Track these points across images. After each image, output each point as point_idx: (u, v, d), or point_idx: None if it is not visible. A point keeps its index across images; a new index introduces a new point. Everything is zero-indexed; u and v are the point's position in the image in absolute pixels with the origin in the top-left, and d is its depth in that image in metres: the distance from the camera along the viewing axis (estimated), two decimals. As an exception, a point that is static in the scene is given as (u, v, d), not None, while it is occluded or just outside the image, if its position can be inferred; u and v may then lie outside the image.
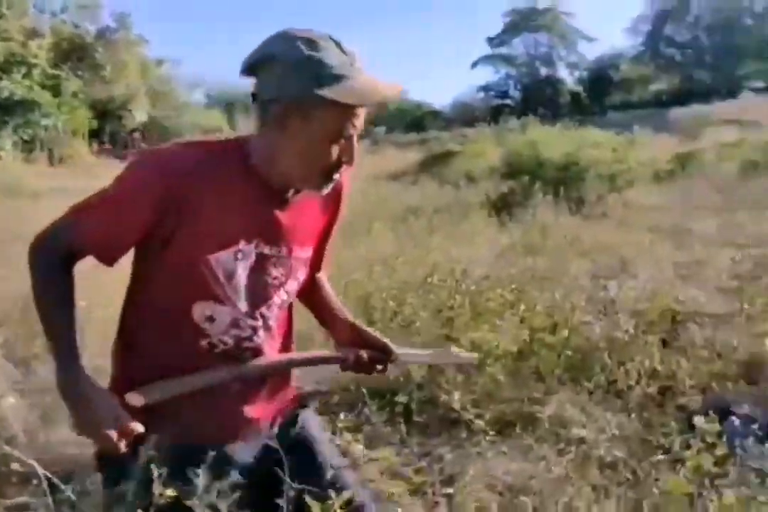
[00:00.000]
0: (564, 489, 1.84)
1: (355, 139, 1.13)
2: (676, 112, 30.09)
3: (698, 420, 1.57)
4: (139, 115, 26.62)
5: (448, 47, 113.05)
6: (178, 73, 32.87)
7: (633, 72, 41.77)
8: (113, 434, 1.07)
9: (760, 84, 42.59)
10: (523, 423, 2.44)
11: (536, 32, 44.43)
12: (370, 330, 1.36)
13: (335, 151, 1.12)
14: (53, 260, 1.17)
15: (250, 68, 1.12)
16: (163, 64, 30.64)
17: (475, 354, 1.49)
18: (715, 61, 38.94)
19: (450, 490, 1.91)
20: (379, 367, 1.34)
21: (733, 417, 2.54)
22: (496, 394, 2.39)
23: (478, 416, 2.17)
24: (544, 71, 45.60)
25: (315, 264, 1.34)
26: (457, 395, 2.15)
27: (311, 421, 1.36)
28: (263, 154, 1.15)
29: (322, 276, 1.41)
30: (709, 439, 1.56)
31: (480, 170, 11.38)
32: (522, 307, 2.82)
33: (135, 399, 1.13)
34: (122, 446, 1.09)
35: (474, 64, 47.24)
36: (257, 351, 1.23)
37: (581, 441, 2.14)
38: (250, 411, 1.25)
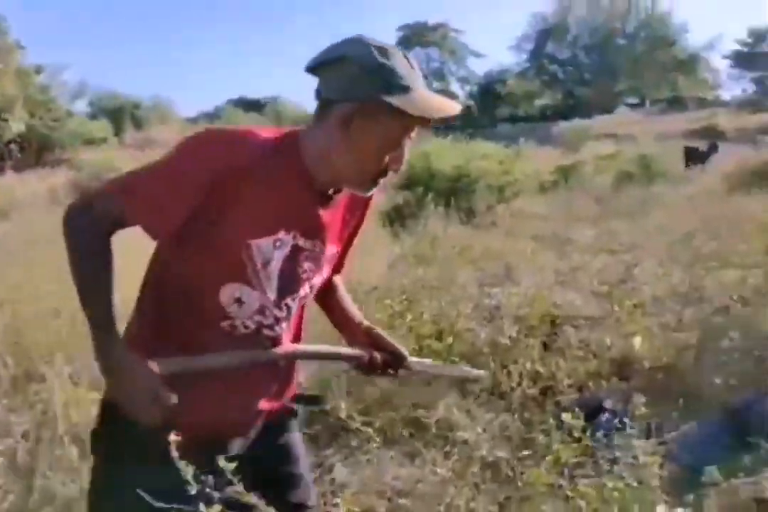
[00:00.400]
0: (447, 490, 1.92)
1: (406, 149, 1.18)
2: (560, 126, 31.76)
3: (565, 416, 1.69)
4: (16, 125, 25.06)
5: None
6: (60, 81, 31.24)
7: (519, 87, 43.77)
8: (152, 405, 1.10)
9: (634, 100, 45.86)
10: (413, 429, 2.52)
11: (427, 47, 45.71)
12: (385, 334, 1.39)
13: (386, 157, 1.17)
14: (97, 229, 1.16)
15: (319, 66, 1.17)
16: (43, 72, 29.04)
17: (484, 372, 1.52)
18: (594, 78, 41.56)
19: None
20: (391, 371, 1.37)
21: (604, 413, 2.74)
22: (384, 402, 2.45)
23: (366, 424, 2.22)
24: (436, 85, 46.91)
25: (337, 266, 1.38)
26: (344, 404, 2.19)
27: (297, 432, 1.40)
28: (317, 151, 1.19)
29: (339, 279, 1.45)
30: (576, 434, 1.69)
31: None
32: (409, 317, 2.91)
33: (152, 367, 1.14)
34: (159, 417, 1.11)
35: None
36: (276, 341, 1.25)
37: (465, 442, 2.24)
38: (260, 404, 1.28)
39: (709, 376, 2.86)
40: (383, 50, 1.14)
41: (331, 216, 1.26)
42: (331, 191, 1.24)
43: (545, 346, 3.34)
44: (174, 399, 1.11)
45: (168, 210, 1.15)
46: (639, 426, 2.43)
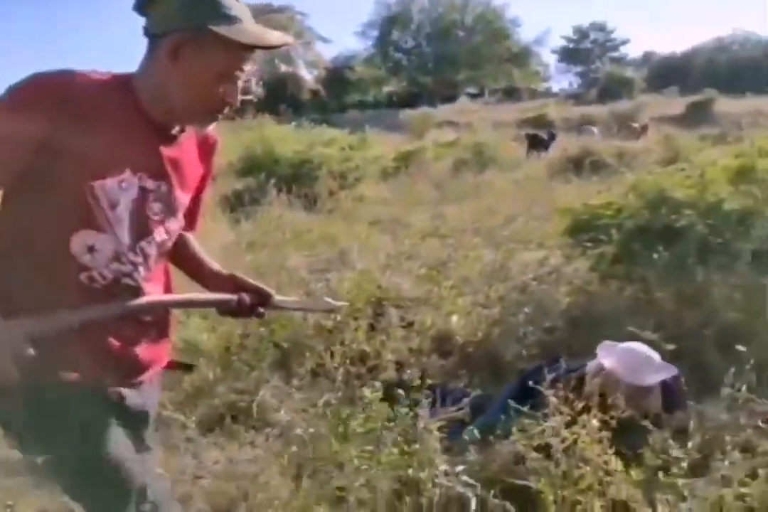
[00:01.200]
0: (264, 468, 1.99)
1: (239, 82, 1.19)
2: (406, 113, 32.62)
3: (366, 391, 1.82)
4: None
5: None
6: None
7: (367, 73, 44.36)
8: (10, 362, 1.04)
9: (474, 90, 48.12)
10: (238, 414, 2.57)
11: (273, 30, 44.90)
12: (245, 277, 1.37)
13: (221, 90, 1.18)
14: None
15: (145, 2, 1.16)
16: None
17: (346, 302, 1.54)
18: (436, 67, 43.03)
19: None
20: (260, 310, 1.36)
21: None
22: (207, 391, 2.47)
23: (186, 413, 2.23)
24: (284, 68, 46.28)
25: (190, 220, 1.36)
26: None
27: (156, 395, 1.41)
28: (150, 88, 1.18)
29: (191, 236, 1.42)
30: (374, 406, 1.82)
31: (217, 166, 11.25)
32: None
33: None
34: (16, 375, 1.04)
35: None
36: (137, 291, 1.22)
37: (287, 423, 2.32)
38: (138, 355, 1.26)
39: (512, 347, 3.16)
40: None
41: (177, 157, 1.25)
42: (175, 130, 1.24)
43: (372, 327, 3.50)
44: (31, 352, 1.06)
45: (4, 158, 1.11)
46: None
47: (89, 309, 1.16)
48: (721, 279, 3.35)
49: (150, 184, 1.21)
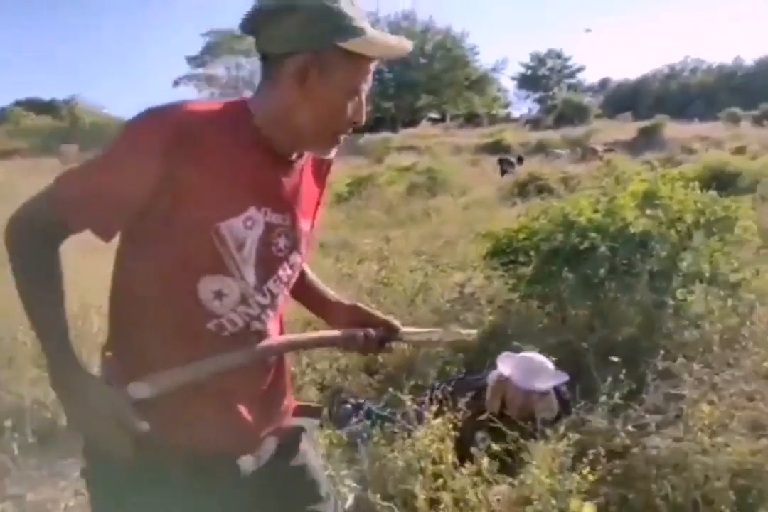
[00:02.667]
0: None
1: (365, 97, 1.10)
2: (368, 138, 33.06)
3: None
4: None
5: (150, 63, 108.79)
6: None
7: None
8: (116, 433, 0.98)
9: (436, 115, 48.99)
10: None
11: (237, 55, 45.28)
12: (369, 308, 1.29)
13: (348, 108, 1.09)
14: (39, 237, 1.04)
15: (257, 21, 1.05)
16: None
17: (475, 331, 1.46)
18: (397, 93, 43.77)
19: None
20: (387, 345, 1.28)
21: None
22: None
23: None
24: (247, 93, 46.44)
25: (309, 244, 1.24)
26: None
27: (311, 446, 1.28)
28: (271, 114, 1.08)
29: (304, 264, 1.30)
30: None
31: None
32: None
33: (140, 390, 1.00)
34: (128, 448, 0.98)
35: (176, 83, 46.45)
36: (264, 334, 1.14)
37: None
38: (255, 419, 1.14)
39: (435, 365, 3.34)
40: None
41: (295, 184, 1.16)
42: (293, 157, 1.14)
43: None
44: (144, 425, 0.98)
45: (117, 205, 1.03)
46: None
47: (216, 359, 1.07)
48: (628, 297, 3.60)
49: (275, 218, 1.12)
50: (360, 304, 1.32)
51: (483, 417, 2.20)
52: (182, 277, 1.06)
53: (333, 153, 1.16)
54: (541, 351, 2.93)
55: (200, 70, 46.56)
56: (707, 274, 3.63)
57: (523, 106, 64.16)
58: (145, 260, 1.06)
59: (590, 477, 1.82)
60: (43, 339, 1.03)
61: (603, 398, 2.33)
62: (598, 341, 3.51)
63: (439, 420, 1.81)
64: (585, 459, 1.93)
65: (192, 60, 46.17)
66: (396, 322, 1.29)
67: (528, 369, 2.55)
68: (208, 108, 1.06)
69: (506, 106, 57.89)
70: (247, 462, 1.11)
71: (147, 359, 1.06)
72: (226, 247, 1.06)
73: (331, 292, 1.36)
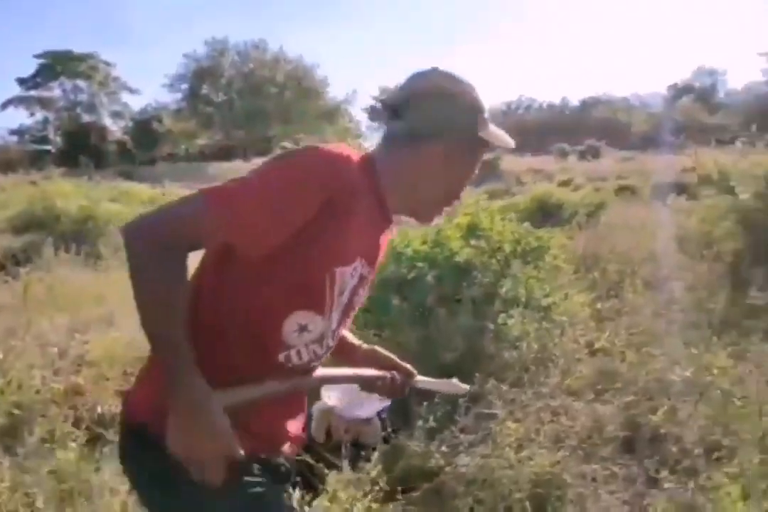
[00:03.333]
0: None
1: None
2: (219, 167, 32.42)
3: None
4: None
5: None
6: None
7: (176, 126, 43.66)
8: (220, 458, 1.01)
9: (288, 144, 49.24)
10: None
11: (76, 78, 42.98)
12: (390, 354, 1.36)
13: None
14: (176, 250, 1.02)
15: (411, 100, 1.15)
16: None
17: (468, 387, 1.51)
18: (248, 122, 43.58)
19: None
20: (406, 390, 1.34)
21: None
22: None
23: None
24: (86, 118, 44.20)
25: None
26: None
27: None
28: (401, 181, 1.17)
29: None
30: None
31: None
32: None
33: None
34: (221, 473, 1.01)
35: (4, 105, 43.09)
36: (312, 371, 1.22)
37: None
38: (290, 425, 1.25)
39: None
40: (471, 85, 1.18)
41: (383, 243, 1.27)
42: (396, 219, 1.24)
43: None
44: (241, 453, 1.02)
45: (274, 231, 1.05)
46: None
47: (270, 385, 1.15)
48: (454, 323, 3.80)
49: (366, 270, 1.20)
50: (378, 348, 1.40)
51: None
52: (279, 305, 1.12)
53: (435, 222, 1.28)
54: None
55: (33, 93, 43.56)
56: (523, 299, 3.93)
57: (374, 137, 66.25)
58: (249, 281, 1.10)
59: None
60: (166, 357, 1.02)
61: (420, 422, 2.43)
62: (426, 366, 3.67)
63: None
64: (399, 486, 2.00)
65: (23, 82, 43.11)
66: (411, 368, 1.39)
67: (352, 397, 2.61)
68: (357, 160, 1.13)
69: (358, 137, 59.53)
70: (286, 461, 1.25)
71: (211, 369, 1.07)
72: (332, 289, 1.14)
73: (351, 335, 1.42)
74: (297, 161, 1.09)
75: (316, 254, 1.10)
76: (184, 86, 45.79)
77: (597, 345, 3.94)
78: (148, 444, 1.08)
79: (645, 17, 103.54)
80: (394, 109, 1.18)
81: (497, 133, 1.21)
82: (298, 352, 1.16)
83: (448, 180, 1.20)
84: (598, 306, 4.65)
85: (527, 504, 2.08)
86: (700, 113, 44.42)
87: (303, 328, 1.14)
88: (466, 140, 1.18)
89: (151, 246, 1.03)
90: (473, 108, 1.18)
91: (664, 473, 2.36)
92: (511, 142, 1.24)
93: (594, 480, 2.37)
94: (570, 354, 3.68)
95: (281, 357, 1.15)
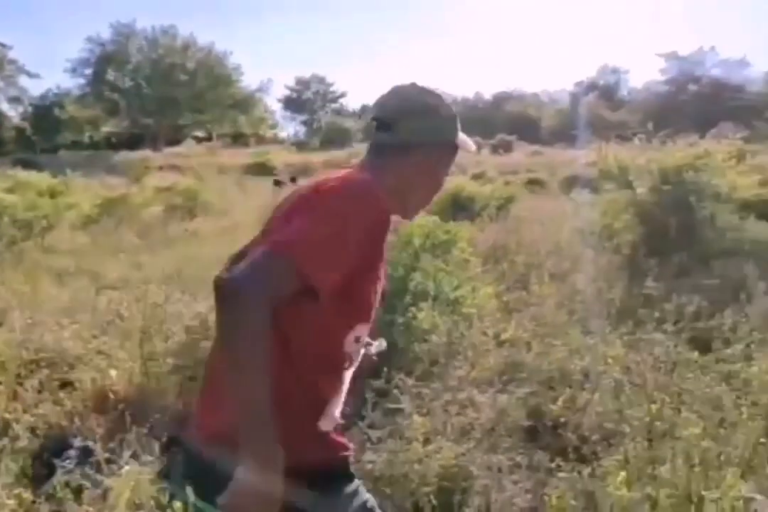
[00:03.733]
0: None
1: None
2: (126, 156, 31.17)
3: None
4: None
5: None
6: None
7: (81, 113, 41.55)
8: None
9: (202, 133, 47.84)
10: None
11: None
12: None
13: None
14: (267, 309, 1.07)
15: (402, 115, 1.33)
16: None
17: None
18: (158, 109, 41.96)
19: None
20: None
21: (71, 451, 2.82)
22: None
23: None
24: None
25: None
26: None
27: None
28: (397, 188, 1.33)
29: None
30: None
31: None
32: None
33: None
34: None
35: None
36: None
37: None
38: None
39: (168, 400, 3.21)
40: (443, 96, 1.37)
41: None
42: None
43: (15, 394, 3.28)
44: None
45: (340, 267, 1.17)
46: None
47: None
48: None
49: (383, 273, 1.32)
50: None
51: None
52: (343, 327, 1.25)
53: (416, 218, 1.61)
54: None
55: None
56: (433, 293, 3.98)
57: (290, 128, 65.42)
58: (322, 315, 1.20)
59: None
60: (248, 413, 1.06)
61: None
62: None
63: (129, 468, 1.72)
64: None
65: None
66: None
67: None
68: (383, 193, 1.26)
69: (274, 127, 58.59)
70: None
71: (299, 395, 1.20)
72: (375, 300, 1.30)
73: None
74: (352, 207, 1.20)
75: (372, 277, 1.27)
76: (88, 71, 43.49)
77: (504, 337, 4.04)
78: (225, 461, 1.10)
79: (554, 15, 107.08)
80: (383, 122, 1.35)
81: (464, 138, 1.42)
82: (351, 358, 1.31)
83: (433, 181, 1.40)
84: (505, 298, 4.77)
85: (432, 498, 2.09)
86: (604, 110, 46.40)
87: (358, 339, 1.29)
88: (448, 146, 1.40)
89: (262, 302, 1.08)
90: (451, 118, 1.39)
91: (563, 461, 2.44)
92: (473, 146, 1.44)
93: (500, 470, 2.42)
94: (478, 346, 3.76)
95: (345, 365, 1.30)
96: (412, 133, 1.33)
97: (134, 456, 1.95)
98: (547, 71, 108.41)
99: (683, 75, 45.86)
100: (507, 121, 49.26)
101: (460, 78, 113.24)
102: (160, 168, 25.67)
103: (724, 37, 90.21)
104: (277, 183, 18.32)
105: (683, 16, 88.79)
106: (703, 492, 1.77)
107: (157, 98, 41.88)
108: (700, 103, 42.49)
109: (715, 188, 6.37)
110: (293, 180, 18.81)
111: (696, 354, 3.29)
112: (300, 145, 41.79)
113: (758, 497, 1.65)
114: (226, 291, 1.08)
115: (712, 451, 2.01)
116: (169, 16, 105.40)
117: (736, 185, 6.61)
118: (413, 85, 1.38)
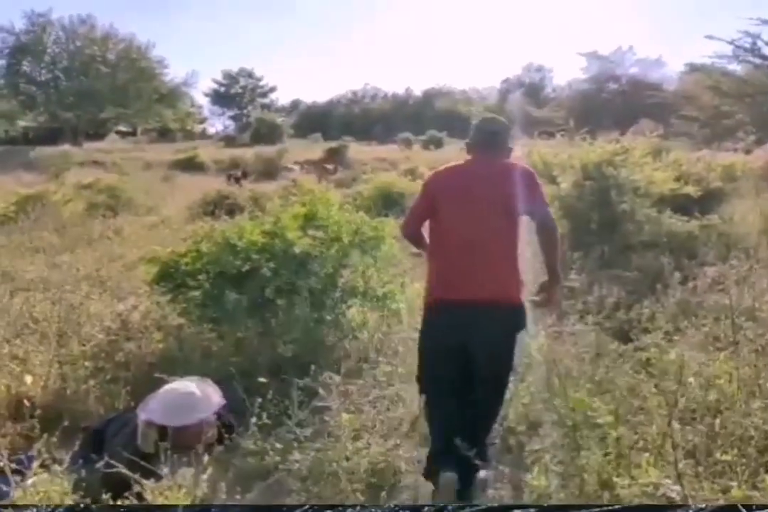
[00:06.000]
0: None
1: None
2: (43, 151, 29.78)
3: None
4: None
5: None
6: None
7: (-6, 106, 39.43)
8: None
9: (126, 128, 46.20)
10: None
11: None
12: None
13: None
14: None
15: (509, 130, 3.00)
16: None
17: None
18: (78, 103, 40.16)
19: None
20: None
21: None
22: None
23: None
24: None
25: None
26: None
27: None
28: None
29: None
30: None
31: None
32: None
33: None
34: None
35: None
36: None
37: None
38: None
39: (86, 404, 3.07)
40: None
41: None
42: None
43: None
44: None
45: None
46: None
47: None
48: (292, 315, 3.75)
49: None
50: None
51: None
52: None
53: None
54: (209, 376, 2.90)
55: None
56: (362, 289, 3.97)
57: (218, 123, 64.01)
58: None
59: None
60: (558, 262, 2.84)
61: (253, 419, 2.36)
62: (268, 361, 3.60)
63: (36, 479, 1.64)
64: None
65: None
66: None
67: (171, 406, 2.50)
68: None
69: (201, 122, 57.19)
70: None
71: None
72: None
73: None
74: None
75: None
76: (1, 62, 41.16)
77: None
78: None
79: (483, 13, 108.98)
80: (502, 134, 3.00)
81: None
82: None
83: None
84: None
85: (359, 494, 2.08)
86: (529, 107, 47.53)
87: None
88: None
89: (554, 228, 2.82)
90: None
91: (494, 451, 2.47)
92: None
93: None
94: (407, 342, 3.77)
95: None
96: (509, 141, 2.92)
97: (43, 466, 1.86)
98: (475, 69, 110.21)
99: (604, 73, 47.44)
100: (437, 117, 49.77)
101: (390, 74, 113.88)
102: (81, 164, 24.66)
103: (640, 38, 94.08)
104: (235, 179, 19.17)
105: (603, 16, 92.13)
106: (615, 479, 1.83)
107: (77, 91, 40.01)
108: (620, 100, 44.11)
109: (634, 183, 6.61)
110: (245, 175, 20.72)
111: (616, 344, 3.41)
112: (229, 141, 40.94)
113: (666, 482, 1.72)
114: (554, 226, 2.72)
115: (625, 438, 2.08)
116: (86, 6, 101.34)
117: (654, 180, 6.87)
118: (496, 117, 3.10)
